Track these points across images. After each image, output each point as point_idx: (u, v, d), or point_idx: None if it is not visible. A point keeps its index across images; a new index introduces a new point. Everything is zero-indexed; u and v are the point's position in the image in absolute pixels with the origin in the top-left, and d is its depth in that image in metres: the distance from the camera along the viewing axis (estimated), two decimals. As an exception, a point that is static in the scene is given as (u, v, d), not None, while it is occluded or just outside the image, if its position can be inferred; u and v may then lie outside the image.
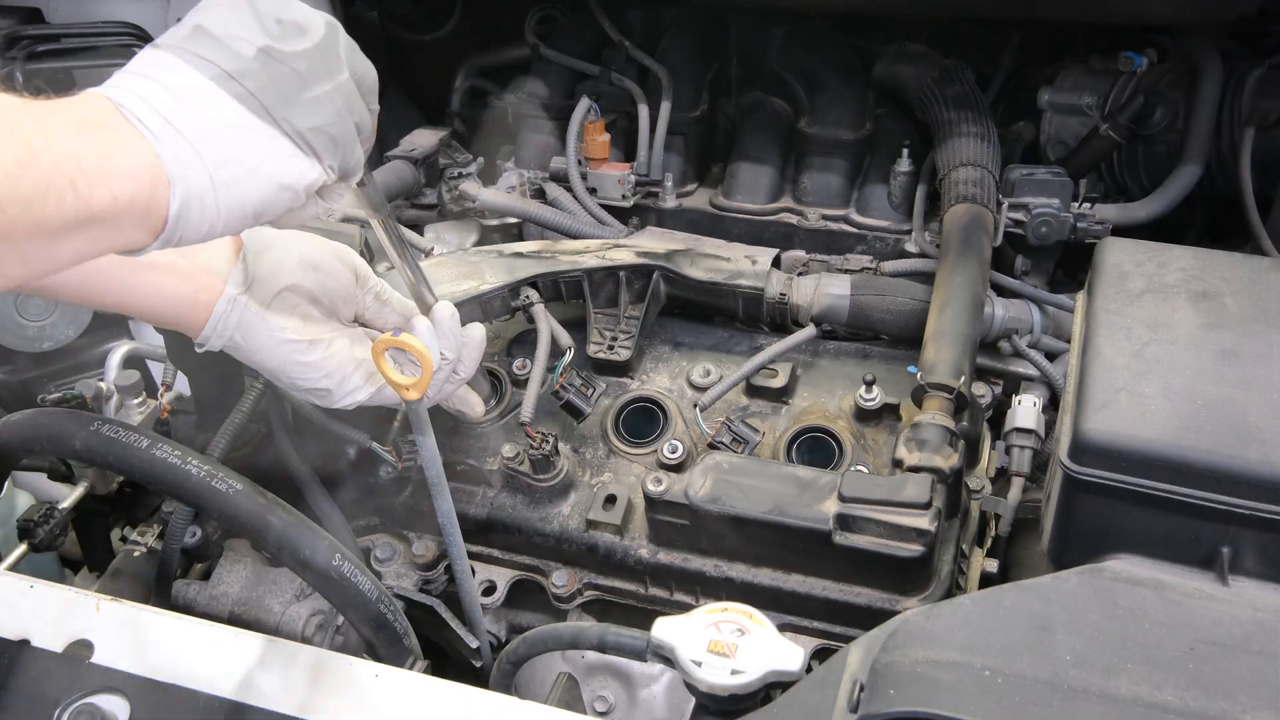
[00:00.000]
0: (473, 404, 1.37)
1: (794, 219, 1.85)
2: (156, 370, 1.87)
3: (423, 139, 1.94)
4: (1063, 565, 1.01)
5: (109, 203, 0.73)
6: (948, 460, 1.21)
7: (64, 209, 0.71)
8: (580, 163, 1.87)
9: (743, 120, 1.96)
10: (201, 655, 0.94)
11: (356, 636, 1.22)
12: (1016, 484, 1.31)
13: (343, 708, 0.89)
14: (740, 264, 1.55)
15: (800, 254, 1.80)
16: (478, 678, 1.32)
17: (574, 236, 1.74)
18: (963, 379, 1.29)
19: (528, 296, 1.49)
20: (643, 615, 1.33)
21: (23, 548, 1.31)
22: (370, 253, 1.57)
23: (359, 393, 1.17)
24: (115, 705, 0.89)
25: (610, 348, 1.50)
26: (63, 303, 1.87)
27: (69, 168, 0.71)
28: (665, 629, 1.03)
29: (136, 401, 1.49)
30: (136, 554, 1.39)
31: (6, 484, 1.46)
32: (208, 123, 0.79)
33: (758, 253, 1.59)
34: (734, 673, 0.98)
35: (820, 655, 1.22)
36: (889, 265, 1.71)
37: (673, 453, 1.35)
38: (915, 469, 1.20)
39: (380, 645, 1.13)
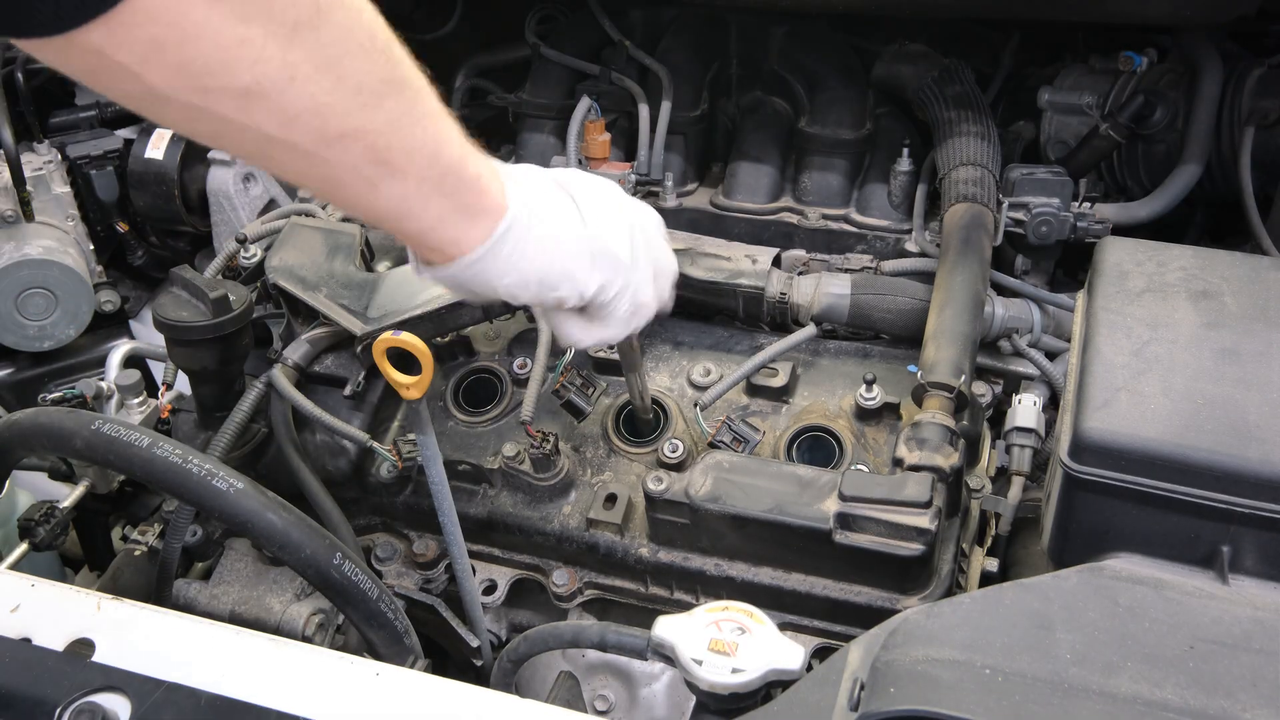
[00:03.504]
0: None
1: (794, 218, 1.85)
2: (157, 370, 1.87)
3: (423, 138, 1.94)
4: (1063, 564, 1.01)
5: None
6: (948, 459, 1.21)
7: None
8: (580, 162, 1.87)
9: (743, 120, 1.96)
10: (202, 654, 0.94)
11: (357, 636, 1.22)
12: (1016, 483, 1.31)
13: (343, 707, 0.89)
14: (740, 263, 1.55)
15: (800, 253, 1.80)
16: (478, 677, 1.32)
17: (574, 236, 1.74)
18: (963, 378, 1.29)
19: (528, 296, 1.49)
20: (643, 614, 1.33)
21: (23, 547, 1.31)
22: (371, 251, 1.57)
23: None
24: (116, 704, 0.89)
25: (610, 347, 1.50)
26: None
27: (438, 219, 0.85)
28: (666, 628, 1.03)
29: (137, 401, 1.49)
30: (137, 553, 1.39)
31: (7, 483, 1.46)
32: (543, 199, 0.93)
33: (758, 252, 1.59)
34: (734, 671, 0.98)
35: (821, 654, 1.22)
36: (889, 265, 1.71)
37: (673, 452, 1.35)
38: (915, 468, 1.20)
39: (381, 644, 1.13)
